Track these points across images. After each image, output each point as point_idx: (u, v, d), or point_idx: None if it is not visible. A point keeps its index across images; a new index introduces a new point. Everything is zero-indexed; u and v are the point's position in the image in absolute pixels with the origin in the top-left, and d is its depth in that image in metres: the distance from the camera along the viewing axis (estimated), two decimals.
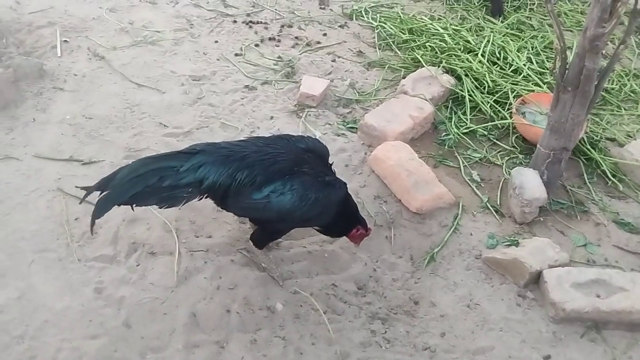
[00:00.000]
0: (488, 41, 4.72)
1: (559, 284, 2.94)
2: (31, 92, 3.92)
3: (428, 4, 5.51)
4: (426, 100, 4.03)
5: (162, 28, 4.71)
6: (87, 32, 4.56)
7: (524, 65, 4.52)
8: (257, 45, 4.66)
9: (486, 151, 3.90)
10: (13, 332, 2.67)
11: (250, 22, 4.91)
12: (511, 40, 4.81)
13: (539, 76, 4.40)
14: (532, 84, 4.34)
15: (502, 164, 3.79)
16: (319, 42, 4.80)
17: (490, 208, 3.50)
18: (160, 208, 2.69)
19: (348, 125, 3.97)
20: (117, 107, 3.89)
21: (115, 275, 2.92)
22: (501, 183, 3.66)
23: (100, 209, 2.56)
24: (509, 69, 4.53)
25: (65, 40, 4.44)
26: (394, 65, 4.56)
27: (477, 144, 3.94)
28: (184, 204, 2.69)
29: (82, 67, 4.20)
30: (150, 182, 2.57)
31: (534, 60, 4.59)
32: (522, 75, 4.43)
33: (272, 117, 3.94)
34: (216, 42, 4.64)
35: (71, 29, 4.56)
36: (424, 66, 4.40)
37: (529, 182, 3.41)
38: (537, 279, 3.04)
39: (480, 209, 3.50)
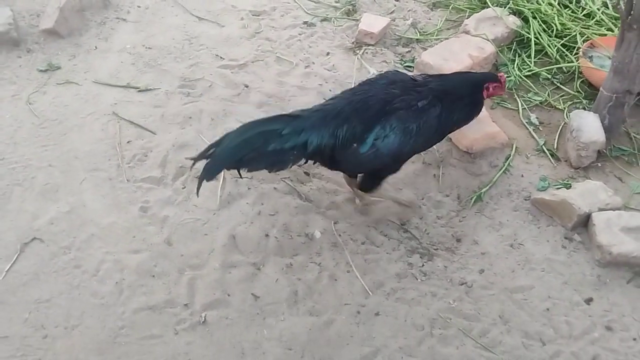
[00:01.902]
0: None
1: (608, 227, 2.83)
2: (95, 22, 4.01)
3: None
4: (488, 40, 3.90)
5: None
6: None
7: (598, 9, 4.29)
8: None
9: (548, 95, 3.75)
10: (61, 243, 2.78)
11: None
12: None
13: (613, 21, 4.17)
14: (605, 28, 4.12)
15: (564, 108, 3.64)
16: None
17: (546, 151, 3.38)
18: (270, 172, 2.73)
19: (405, 64, 3.90)
20: (176, 38, 3.94)
21: (161, 196, 3.00)
22: (560, 127, 3.52)
23: (208, 172, 2.55)
24: (581, 13, 4.31)
25: None
26: (459, 5, 4.42)
27: (539, 87, 3.80)
28: (291, 167, 2.68)
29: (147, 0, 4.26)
30: (256, 145, 2.55)
31: (609, 5, 4.35)
32: (594, 20, 4.21)
33: (328, 53, 3.92)
34: None
35: None
36: (489, 6, 4.24)
37: (588, 125, 3.28)
38: (586, 222, 2.94)
39: (536, 152, 3.39)
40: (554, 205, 3.00)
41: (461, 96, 2.86)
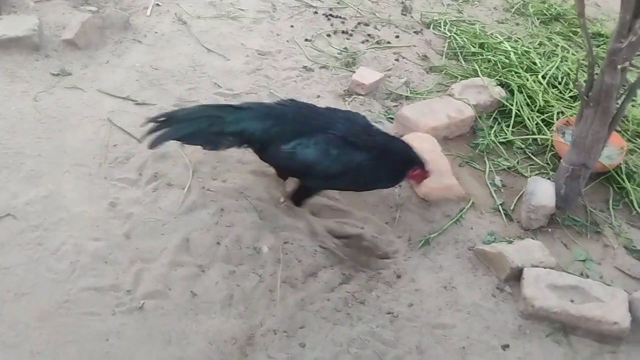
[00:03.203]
0: (555, 67, 4.75)
1: (536, 282, 3.00)
2: (112, 40, 4.38)
3: (511, 26, 5.59)
4: (469, 104, 4.15)
5: (247, 7, 5.09)
6: (179, 0, 5.00)
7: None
8: (328, 35, 4.94)
9: (518, 162, 3.97)
10: (31, 222, 3.05)
11: (330, 15, 5.21)
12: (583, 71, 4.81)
13: None
14: None
15: (529, 175, 3.85)
16: (389, 42, 5.02)
17: (501, 210, 3.58)
18: (204, 149, 3.16)
19: (388, 116, 4.16)
20: (182, 64, 4.28)
21: (131, 195, 3.27)
22: (521, 192, 3.72)
23: (158, 141, 2.99)
24: (567, 94, 4.55)
25: (158, 4, 4.91)
26: (453, 72, 4.69)
27: (510, 154, 4.02)
28: (224, 149, 3.11)
29: (164, 27, 4.64)
30: (202, 126, 3.00)
31: None
32: (578, 102, 4.43)
33: (318, 96, 4.20)
34: (292, 26, 4.96)
35: None
36: (479, 75, 4.51)
37: (541, 190, 3.47)
38: (518, 276, 3.10)
39: (492, 210, 3.59)
40: (491, 257, 3.18)
41: (393, 162, 3.13)
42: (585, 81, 3.29)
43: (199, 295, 2.87)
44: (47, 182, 3.27)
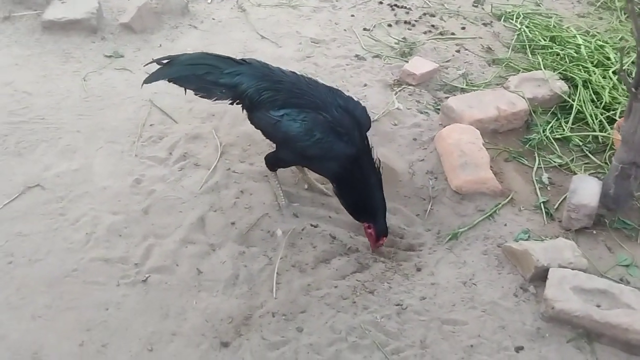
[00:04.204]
0: (631, 62, 4.43)
1: (560, 283, 2.78)
2: (169, 25, 4.48)
3: (593, 20, 5.27)
4: (523, 98, 3.94)
5: None
6: None
7: None
8: (389, 25, 4.84)
9: (572, 160, 3.71)
10: (58, 193, 3.16)
11: (395, 5, 5.09)
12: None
13: None
14: None
15: (582, 174, 3.59)
16: (453, 34, 4.85)
17: (543, 209, 3.35)
18: (195, 95, 3.14)
19: (437, 107, 4.01)
20: (234, 50, 4.30)
21: (157, 173, 3.31)
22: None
23: (152, 77, 3.12)
24: None
25: None
26: (516, 65, 4.47)
27: (565, 152, 3.77)
28: (215, 100, 3.12)
29: (223, 14, 4.70)
30: (198, 72, 3.05)
31: None
32: None
33: (365, 85, 4.11)
34: (352, 16, 4.89)
35: None
36: (541, 69, 4.27)
37: (584, 189, 3.23)
38: (545, 276, 2.89)
39: (532, 208, 3.38)
40: (518, 255, 2.99)
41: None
42: (631, 72, 3.02)
43: (204, 272, 2.86)
44: (80, 156, 3.37)
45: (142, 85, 3.13)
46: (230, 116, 3.69)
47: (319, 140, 2.88)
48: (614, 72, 4.29)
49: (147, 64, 3.19)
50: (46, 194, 3.14)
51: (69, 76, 3.92)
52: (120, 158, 3.38)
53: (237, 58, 3.18)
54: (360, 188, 2.95)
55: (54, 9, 4.31)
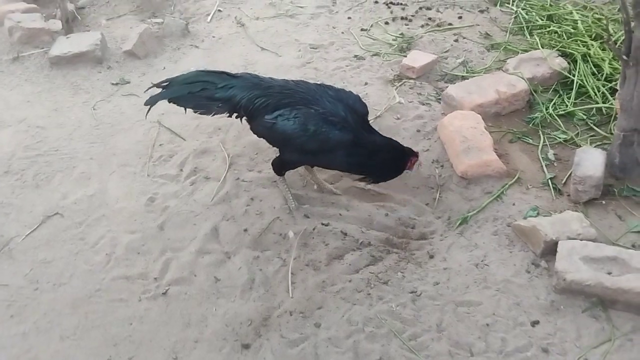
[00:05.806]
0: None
1: (569, 255, 2.82)
2: (171, 47, 4.61)
3: None
4: (522, 78, 3.97)
5: (306, 4, 5.15)
6: (241, 5, 5.17)
7: None
8: (386, 23, 4.90)
9: (577, 134, 3.74)
10: (76, 219, 3.28)
11: (391, 2, 5.16)
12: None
13: None
14: None
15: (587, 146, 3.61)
16: (450, 24, 4.89)
17: (551, 185, 3.38)
18: (194, 112, 3.26)
19: (438, 97, 4.06)
20: (235, 64, 4.41)
21: (170, 190, 3.42)
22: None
23: (152, 99, 3.25)
24: None
25: (220, 10, 5.10)
26: (514, 48, 4.50)
27: (569, 127, 3.79)
28: (214, 115, 3.24)
29: (222, 31, 4.81)
30: (194, 90, 3.19)
31: None
32: None
33: (366, 83, 4.18)
34: (349, 18, 4.97)
35: (229, 1, 5.20)
36: (538, 48, 4.30)
37: (588, 160, 3.26)
38: (555, 249, 2.93)
39: (540, 185, 3.41)
40: (527, 231, 3.03)
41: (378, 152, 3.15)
42: (618, 40, 3.05)
43: (221, 280, 2.95)
44: (94, 182, 3.49)
45: (147, 111, 3.29)
46: (236, 128, 3.78)
47: (315, 133, 2.99)
48: (615, 42, 4.29)
49: (147, 90, 3.29)
50: (65, 221, 3.26)
51: (79, 107, 4.05)
52: (133, 179, 3.49)
53: (231, 72, 3.30)
54: (376, 157, 3.12)
55: (60, 44, 4.46)
